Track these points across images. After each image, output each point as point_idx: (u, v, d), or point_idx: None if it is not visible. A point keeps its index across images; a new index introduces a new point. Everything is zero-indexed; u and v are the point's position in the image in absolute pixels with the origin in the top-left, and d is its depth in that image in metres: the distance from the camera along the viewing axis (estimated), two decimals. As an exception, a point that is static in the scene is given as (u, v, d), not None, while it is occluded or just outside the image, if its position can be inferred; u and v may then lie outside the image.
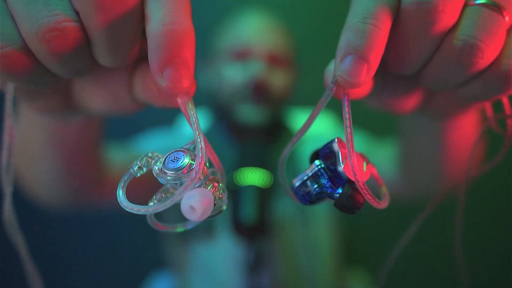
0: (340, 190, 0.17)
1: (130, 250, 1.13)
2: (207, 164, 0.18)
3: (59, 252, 0.99)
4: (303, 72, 0.72)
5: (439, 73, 0.19)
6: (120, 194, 0.17)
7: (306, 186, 0.19)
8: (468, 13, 0.17)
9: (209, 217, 0.17)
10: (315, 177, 0.18)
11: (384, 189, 0.21)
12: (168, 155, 0.17)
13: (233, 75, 0.59)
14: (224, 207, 0.18)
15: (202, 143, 0.17)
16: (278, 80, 0.60)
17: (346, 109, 0.19)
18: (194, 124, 0.17)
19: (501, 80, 0.18)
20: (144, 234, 1.04)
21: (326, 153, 0.19)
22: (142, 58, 0.20)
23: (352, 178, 0.17)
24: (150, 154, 0.19)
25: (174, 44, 0.15)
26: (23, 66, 0.16)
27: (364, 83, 0.18)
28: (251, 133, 0.59)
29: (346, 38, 0.18)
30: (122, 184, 0.18)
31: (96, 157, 0.40)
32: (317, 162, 0.19)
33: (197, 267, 0.60)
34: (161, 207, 0.16)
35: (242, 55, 0.58)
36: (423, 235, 0.31)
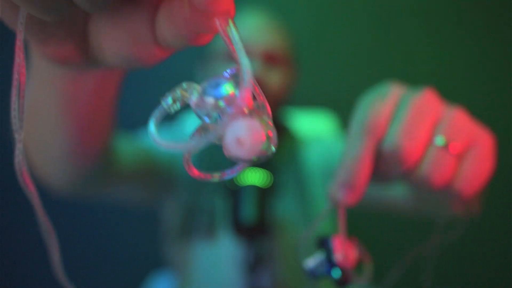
0: (335, 271, 0.25)
1: (130, 250, 1.13)
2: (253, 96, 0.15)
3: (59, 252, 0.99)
4: (303, 72, 0.72)
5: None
6: (153, 129, 0.16)
7: (314, 268, 0.26)
8: (428, 153, 0.25)
9: (257, 158, 0.14)
10: (321, 263, 0.26)
11: (368, 265, 0.27)
12: (207, 82, 0.15)
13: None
14: (273, 149, 0.15)
15: (249, 68, 0.14)
16: (276, 79, 0.60)
17: (342, 222, 0.26)
18: (237, 47, 0.15)
19: (454, 195, 0.25)
20: (144, 234, 1.04)
21: (326, 246, 0.26)
22: None
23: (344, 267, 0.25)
24: (184, 86, 0.17)
25: None
26: None
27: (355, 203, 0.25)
28: None
29: (341, 175, 0.25)
30: (154, 119, 0.16)
31: (107, 128, 0.37)
32: (322, 254, 0.26)
33: (197, 267, 0.60)
34: (201, 143, 0.14)
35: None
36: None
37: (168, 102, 0.16)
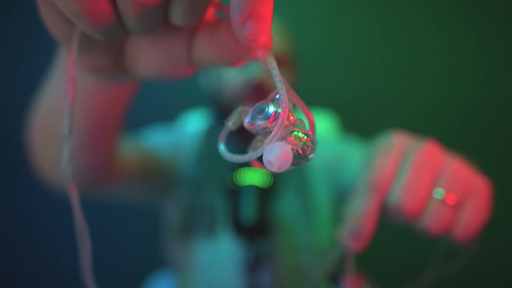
0: None
1: (131, 249, 1.13)
2: (294, 114, 0.19)
3: (59, 252, 0.99)
4: (303, 73, 0.72)
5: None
6: (222, 148, 0.20)
7: None
8: (428, 205, 0.28)
9: (294, 164, 0.18)
10: None
11: None
12: (254, 108, 0.19)
13: (233, 77, 0.59)
14: (311, 156, 0.18)
15: (285, 94, 0.17)
16: None
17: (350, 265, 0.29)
18: (276, 76, 0.17)
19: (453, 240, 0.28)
20: (144, 234, 1.04)
21: (336, 284, 0.30)
22: (208, 18, 0.20)
23: None
24: (240, 109, 0.20)
25: (256, 0, 0.16)
26: (104, 13, 0.16)
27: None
28: (251, 133, 0.59)
29: (350, 226, 0.28)
30: (222, 137, 0.20)
31: (116, 134, 0.39)
32: None
33: (197, 267, 0.60)
34: (255, 155, 0.17)
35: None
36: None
37: (229, 124, 0.20)
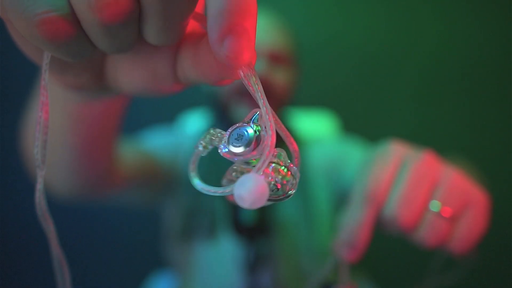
0: None
1: (132, 250, 1.13)
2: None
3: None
4: (304, 72, 0.72)
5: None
6: (193, 176, 0.18)
7: None
8: (424, 218, 0.27)
9: (273, 201, 0.16)
10: None
11: None
12: (230, 134, 0.16)
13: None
14: (291, 193, 0.16)
15: (271, 118, 0.15)
16: (280, 79, 0.60)
17: (344, 274, 0.28)
18: (259, 98, 0.16)
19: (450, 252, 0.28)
20: (145, 235, 1.04)
21: None
22: (192, 32, 0.19)
23: None
24: (212, 131, 0.18)
25: (237, 12, 0.14)
26: (66, 35, 0.15)
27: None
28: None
29: (345, 236, 0.28)
30: (192, 165, 0.18)
31: (112, 145, 0.39)
32: None
33: (197, 267, 0.60)
34: (227, 192, 0.16)
35: None
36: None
37: (200, 148, 0.18)
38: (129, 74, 0.20)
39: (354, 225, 0.27)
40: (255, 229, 0.51)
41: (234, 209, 0.50)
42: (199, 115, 0.83)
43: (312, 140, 0.68)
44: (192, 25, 0.19)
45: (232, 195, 0.15)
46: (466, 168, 0.53)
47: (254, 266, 0.56)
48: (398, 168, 0.28)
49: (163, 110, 1.00)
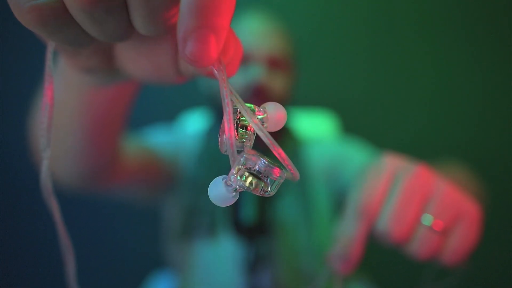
0: None
1: (131, 249, 1.13)
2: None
3: (59, 251, 0.99)
4: (303, 73, 0.72)
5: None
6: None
7: None
8: (417, 231, 0.28)
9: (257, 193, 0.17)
10: None
11: None
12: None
13: (234, 80, 0.59)
14: (269, 194, 0.17)
15: (230, 115, 0.15)
16: (278, 83, 0.60)
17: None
18: (224, 98, 0.15)
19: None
20: (145, 234, 1.04)
21: None
22: None
23: None
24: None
25: (208, 9, 0.13)
26: (55, 22, 0.15)
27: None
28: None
29: (338, 250, 0.28)
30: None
31: (118, 134, 0.39)
32: None
33: (197, 267, 0.60)
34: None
35: (242, 59, 0.58)
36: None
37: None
38: (135, 63, 0.20)
39: (347, 239, 0.28)
40: (255, 228, 0.51)
41: (234, 208, 0.50)
42: (199, 114, 0.83)
43: (312, 140, 0.68)
44: None
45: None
46: (462, 171, 0.53)
47: (253, 265, 0.56)
48: (391, 182, 0.29)
49: (164, 109, 1.00)
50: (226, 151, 0.16)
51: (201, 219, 0.59)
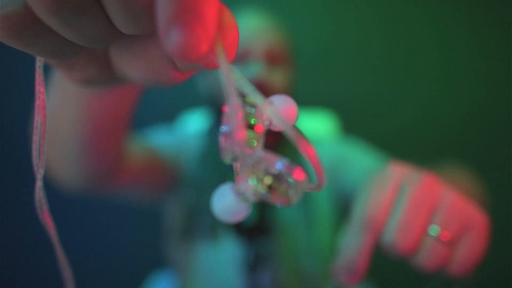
0: None
1: (132, 249, 1.13)
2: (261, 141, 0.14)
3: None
4: (303, 72, 0.72)
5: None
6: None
7: None
8: (423, 243, 0.27)
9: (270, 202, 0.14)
10: None
11: None
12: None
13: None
14: (292, 202, 0.14)
15: (237, 108, 0.13)
16: (278, 79, 0.60)
17: None
18: (228, 89, 0.13)
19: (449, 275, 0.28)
20: (146, 234, 1.04)
21: None
22: None
23: None
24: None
25: None
26: (29, 31, 0.14)
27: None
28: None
29: (343, 262, 0.27)
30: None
31: (122, 137, 0.39)
32: None
33: (198, 267, 0.60)
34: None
35: (241, 56, 0.58)
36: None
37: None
38: (130, 65, 0.19)
39: (353, 251, 0.27)
40: (256, 229, 0.51)
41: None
42: (200, 114, 0.83)
43: (312, 140, 0.68)
44: None
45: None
46: (464, 174, 0.52)
47: (254, 266, 0.56)
48: (397, 193, 0.28)
49: (164, 109, 1.00)
50: (230, 159, 0.13)
51: (202, 219, 0.59)
